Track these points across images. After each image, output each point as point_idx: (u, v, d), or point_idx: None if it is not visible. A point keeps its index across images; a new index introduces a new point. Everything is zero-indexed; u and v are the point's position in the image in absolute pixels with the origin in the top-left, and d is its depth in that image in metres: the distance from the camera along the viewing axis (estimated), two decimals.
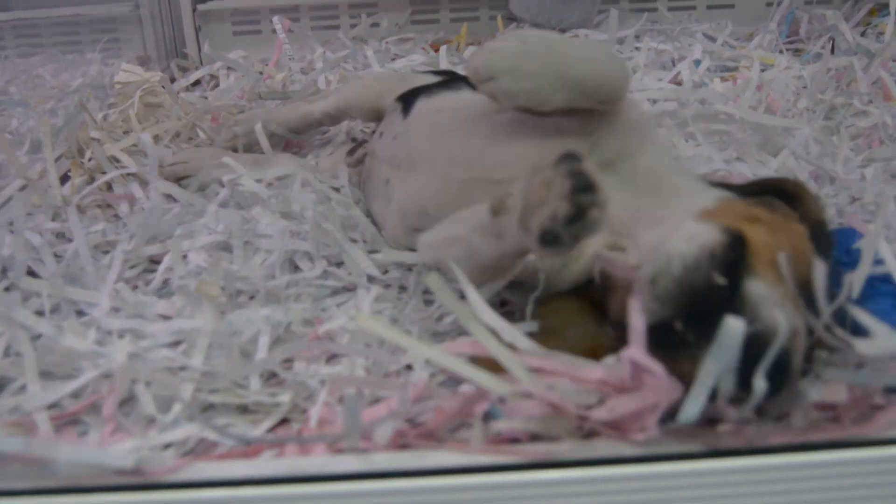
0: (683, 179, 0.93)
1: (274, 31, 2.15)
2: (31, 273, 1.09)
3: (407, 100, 1.22)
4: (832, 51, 1.93)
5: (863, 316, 0.74)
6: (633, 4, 2.45)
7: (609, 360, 0.75)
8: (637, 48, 2.05)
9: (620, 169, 0.91)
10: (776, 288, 0.74)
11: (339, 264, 1.11)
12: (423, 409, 0.76)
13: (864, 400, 0.77)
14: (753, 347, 0.68)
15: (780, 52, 2.04)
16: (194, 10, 2.37)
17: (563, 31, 2.22)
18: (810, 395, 0.75)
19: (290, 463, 0.69)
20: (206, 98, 1.87)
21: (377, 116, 1.38)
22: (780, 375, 0.71)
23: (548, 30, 2.24)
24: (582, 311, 0.88)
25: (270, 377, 0.90)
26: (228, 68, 2.08)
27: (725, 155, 1.32)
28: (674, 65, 1.91)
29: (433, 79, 1.32)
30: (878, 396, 0.78)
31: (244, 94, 1.81)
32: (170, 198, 1.31)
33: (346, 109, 1.47)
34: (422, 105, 1.17)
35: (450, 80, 1.27)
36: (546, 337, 0.81)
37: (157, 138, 1.54)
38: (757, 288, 0.73)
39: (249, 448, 0.75)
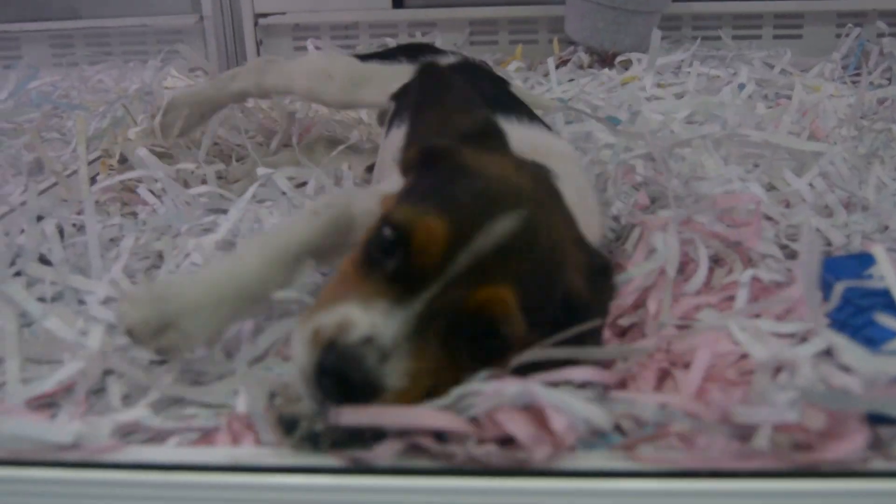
0: None
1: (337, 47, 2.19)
2: (47, 262, 1.12)
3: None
4: (890, 80, 1.87)
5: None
6: (695, 32, 2.42)
7: None
8: (689, 73, 2.02)
9: None
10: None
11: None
12: None
13: (842, 425, 0.72)
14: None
15: (844, 82, 1.99)
16: (256, 23, 2.42)
17: (616, 54, 2.20)
18: (789, 416, 0.70)
19: (225, 452, 0.68)
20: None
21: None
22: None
23: (601, 52, 2.23)
24: None
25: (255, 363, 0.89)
26: None
27: (753, 176, 1.28)
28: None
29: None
30: (855, 422, 0.73)
31: None
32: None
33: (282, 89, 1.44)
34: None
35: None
36: None
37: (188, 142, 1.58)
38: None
39: (204, 438, 0.75)
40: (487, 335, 0.70)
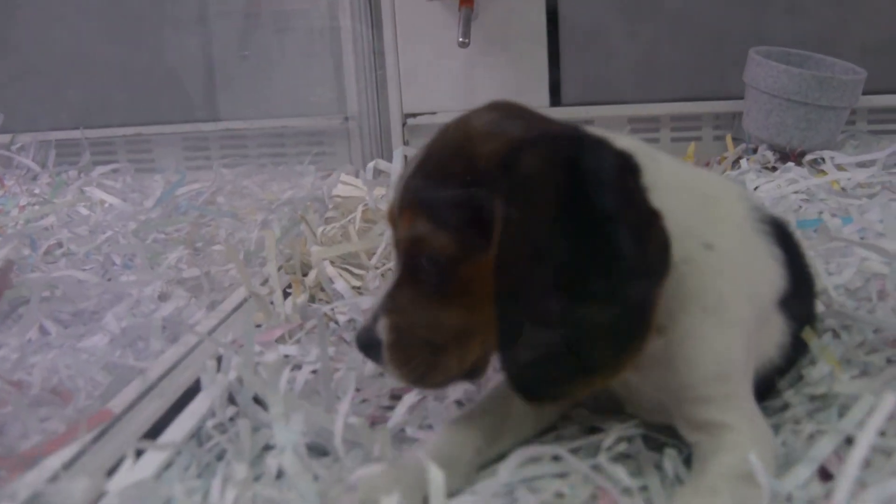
0: None
1: None
2: (257, 401, 0.95)
3: None
4: None
5: None
6: (871, 126, 2.26)
7: None
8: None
9: None
10: None
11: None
12: None
13: None
14: None
15: None
16: (404, 124, 2.30)
17: (804, 152, 2.03)
18: None
19: None
20: None
21: None
22: None
23: (787, 150, 2.06)
24: None
25: None
26: None
27: None
28: None
29: None
30: None
31: None
32: None
33: None
34: None
35: None
36: None
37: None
38: None
39: None
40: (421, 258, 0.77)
